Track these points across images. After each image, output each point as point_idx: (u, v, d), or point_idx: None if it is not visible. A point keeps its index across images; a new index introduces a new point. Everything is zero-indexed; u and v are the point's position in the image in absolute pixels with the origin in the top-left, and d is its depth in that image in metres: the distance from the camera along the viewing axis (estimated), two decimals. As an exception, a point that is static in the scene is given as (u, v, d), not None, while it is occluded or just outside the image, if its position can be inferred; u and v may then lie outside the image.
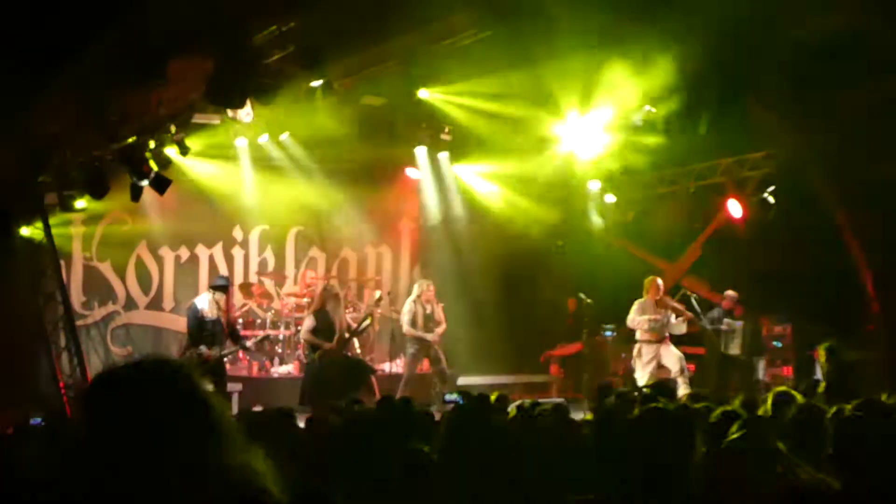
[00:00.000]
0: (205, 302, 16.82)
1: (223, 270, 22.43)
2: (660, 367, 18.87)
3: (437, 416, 10.42)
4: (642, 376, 18.55)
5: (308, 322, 18.00)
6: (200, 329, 16.58)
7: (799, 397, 9.37)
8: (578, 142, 19.83)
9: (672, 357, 18.84)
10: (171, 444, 2.65)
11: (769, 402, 9.93)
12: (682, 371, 18.67)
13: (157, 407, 2.69)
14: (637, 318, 19.08)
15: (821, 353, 16.12)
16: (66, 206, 18.74)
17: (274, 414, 9.26)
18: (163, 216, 20.84)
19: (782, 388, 11.64)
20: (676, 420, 5.42)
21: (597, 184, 22.60)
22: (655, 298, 19.11)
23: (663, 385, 14.04)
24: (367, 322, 20.01)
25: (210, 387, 2.86)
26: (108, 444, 2.64)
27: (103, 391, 2.77)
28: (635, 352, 19.15)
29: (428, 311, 19.35)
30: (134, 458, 2.62)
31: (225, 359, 17.15)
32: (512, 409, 10.90)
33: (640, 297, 19.26)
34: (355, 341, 20.40)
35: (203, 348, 16.42)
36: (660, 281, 19.41)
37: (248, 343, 18.02)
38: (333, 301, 18.11)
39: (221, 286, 17.13)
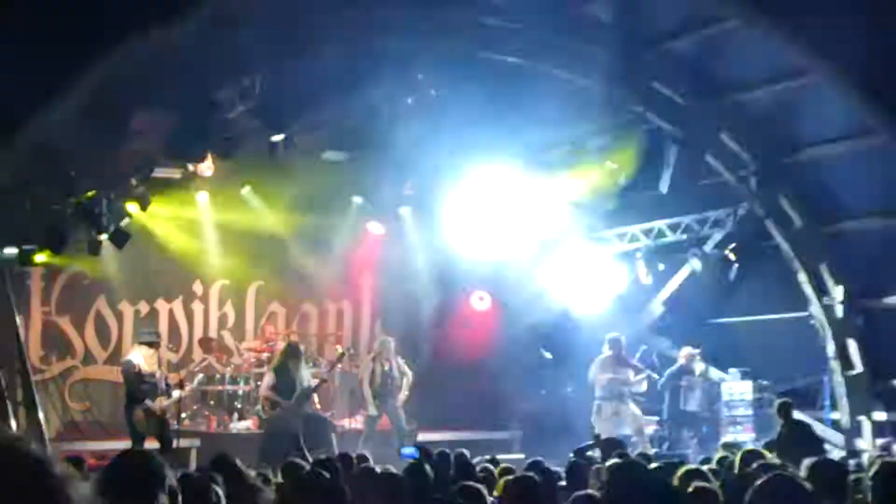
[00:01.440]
0: (139, 357, 16.75)
1: (183, 325, 22.35)
2: (620, 425, 18.86)
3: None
4: (601, 433, 18.51)
5: (268, 379, 17.94)
6: (140, 384, 16.49)
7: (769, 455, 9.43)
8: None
9: (630, 416, 18.85)
10: None
11: (738, 460, 10.02)
12: (640, 431, 18.66)
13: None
14: (599, 375, 19.08)
15: (778, 410, 16.28)
16: (25, 261, 18.62)
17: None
18: (122, 270, 20.71)
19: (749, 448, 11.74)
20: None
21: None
22: (617, 355, 19.12)
23: (615, 442, 14.03)
24: (325, 379, 19.92)
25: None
26: None
27: None
28: (594, 408, 19.11)
29: (386, 369, 19.31)
30: None
31: (168, 413, 17.00)
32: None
33: (601, 353, 19.29)
34: (315, 397, 20.33)
35: (148, 402, 16.33)
36: (622, 338, 19.44)
37: (181, 392, 17.64)
38: (294, 358, 18.03)
39: (153, 342, 17.12)
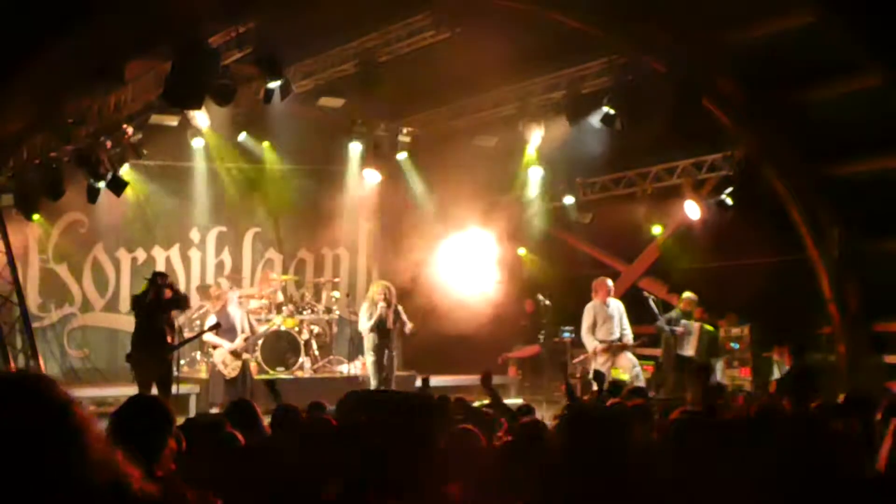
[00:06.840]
0: None
1: (180, 272, 22.37)
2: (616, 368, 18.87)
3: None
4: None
5: (211, 321, 18.06)
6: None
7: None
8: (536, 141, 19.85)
9: (626, 364, 18.84)
10: (34, 450, 2.60)
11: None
12: (637, 377, 18.65)
13: (16, 417, 2.63)
14: (586, 337, 18.99)
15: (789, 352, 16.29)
16: (26, 211, 18.69)
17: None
18: (119, 218, 20.73)
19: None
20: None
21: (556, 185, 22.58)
22: (605, 300, 19.05)
23: (615, 385, 14.07)
24: (266, 328, 20.14)
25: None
26: None
27: None
28: (590, 354, 19.14)
29: (382, 314, 19.12)
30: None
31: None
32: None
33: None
34: (314, 346, 20.53)
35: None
36: (609, 282, 19.34)
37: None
38: (235, 302, 18.24)
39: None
